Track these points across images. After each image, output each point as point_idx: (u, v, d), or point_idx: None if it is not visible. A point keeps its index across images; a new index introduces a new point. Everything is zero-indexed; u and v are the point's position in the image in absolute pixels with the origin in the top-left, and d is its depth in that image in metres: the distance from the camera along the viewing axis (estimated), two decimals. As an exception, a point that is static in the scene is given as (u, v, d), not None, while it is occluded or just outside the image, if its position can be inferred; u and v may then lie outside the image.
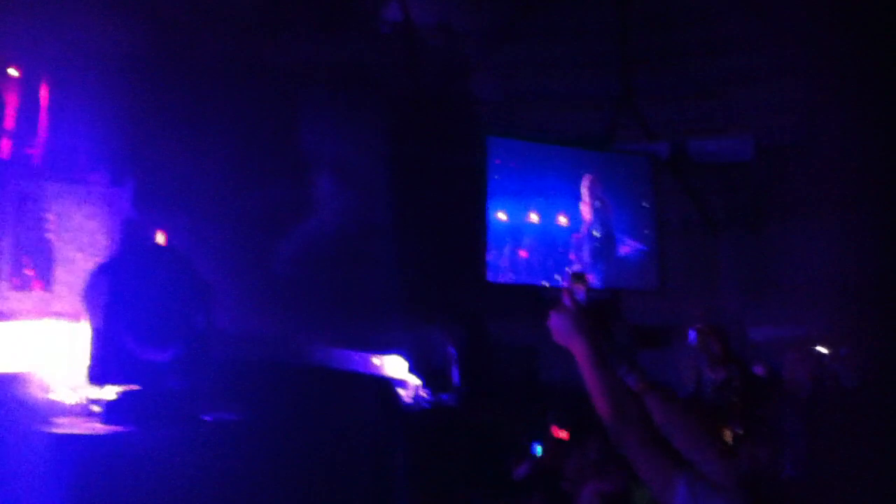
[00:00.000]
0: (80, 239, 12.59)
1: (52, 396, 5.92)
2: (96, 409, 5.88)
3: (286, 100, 12.22)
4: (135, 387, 5.85)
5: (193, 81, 12.11)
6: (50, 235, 12.59)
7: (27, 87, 12.82)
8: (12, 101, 13.14)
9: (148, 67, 12.47)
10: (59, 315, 12.29)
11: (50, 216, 12.75)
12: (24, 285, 12.41)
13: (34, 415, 5.83)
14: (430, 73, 15.15)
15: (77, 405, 5.98)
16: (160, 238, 12.67)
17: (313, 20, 13.35)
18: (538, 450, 8.34)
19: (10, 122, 13.03)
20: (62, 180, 12.82)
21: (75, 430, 5.70)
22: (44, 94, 12.92)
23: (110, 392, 5.83)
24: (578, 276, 3.76)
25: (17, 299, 12.32)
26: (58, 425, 5.79)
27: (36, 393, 5.81)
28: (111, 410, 5.83)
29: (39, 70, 12.82)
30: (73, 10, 12.83)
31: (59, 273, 12.55)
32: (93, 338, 5.86)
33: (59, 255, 12.55)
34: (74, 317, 12.40)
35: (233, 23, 12.35)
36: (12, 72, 12.90)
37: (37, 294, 12.40)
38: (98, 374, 5.87)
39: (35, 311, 12.33)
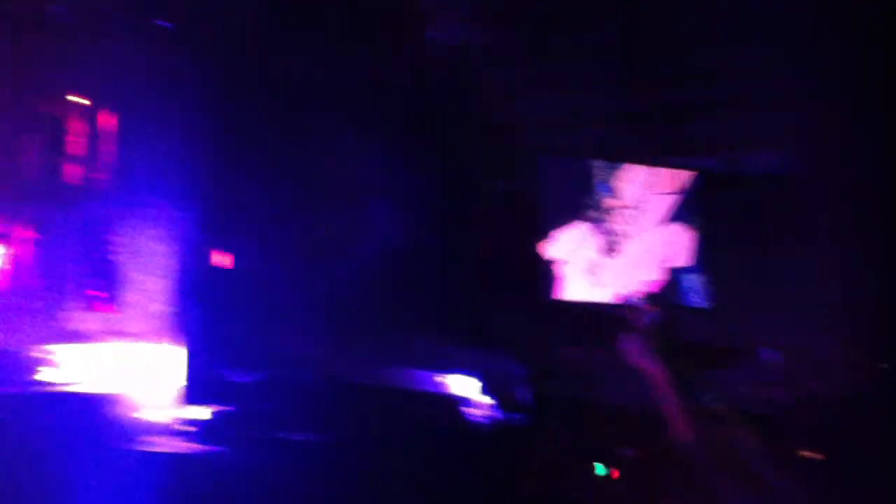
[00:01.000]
0: (145, 261, 12.95)
1: (143, 416, 6.12)
2: (187, 429, 6.05)
3: (343, 123, 12.46)
4: (225, 408, 6.02)
5: (256, 107, 12.42)
6: (117, 258, 12.95)
7: (95, 114, 13.25)
8: (82, 128, 13.57)
9: (213, 93, 12.80)
10: (127, 336, 12.64)
11: (116, 239, 13.12)
12: (93, 307, 12.78)
13: (126, 434, 6.02)
14: (478, 94, 15.33)
15: (167, 425, 6.16)
16: (225, 260, 12.95)
17: (368, 44, 13.62)
18: (601, 469, 8.36)
19: (79, 149, 13.46)
20: (127, 204, 13.20)
21: (167, 449, 5.88)
22: (111, 119, 13.32)
23: (201, 412, 6.00)
24: (649, 296, 3.80)
25: (86, 320, 12.70)
26: (149, 444, 5.98)
27: (127, 413, 6.01)
28: (202, 431, 6.00)
29: (107, 96, 13.24)
30: (140, 36, 13.24)
31: (125, 294, 12.90)
32: (185, 359, 6.04)
33: (126, 277, 12.91)
34: (143, 337, 12.75)
35: (296, 49, 12.65)
36: (81, 99, 13.35)
37: (105, 315, 12.76)
38: (190, 395, 6.04)
39: (104, 332, 12.68)
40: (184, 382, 6.33)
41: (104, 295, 12.83)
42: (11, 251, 14.07)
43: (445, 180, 12.30)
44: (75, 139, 13.72)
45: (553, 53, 14.57)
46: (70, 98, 14.01)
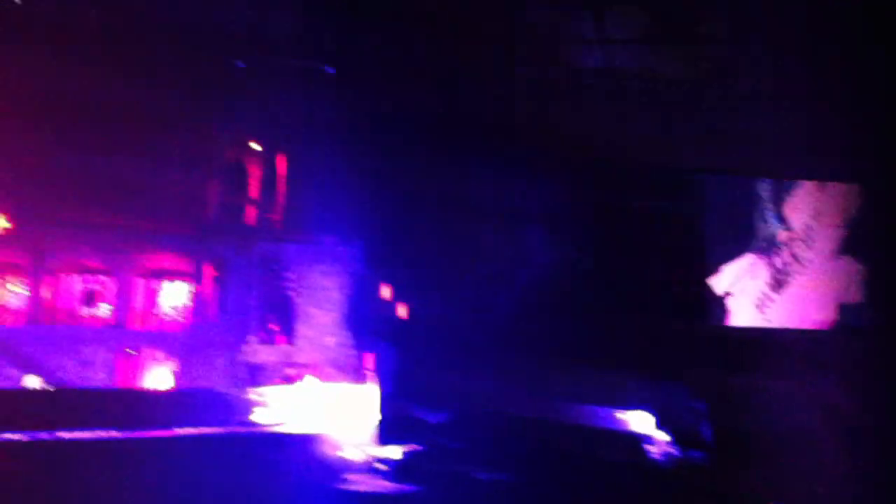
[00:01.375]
0: (317, 295, 13.59)
1: (342, 455, 6.36)
2: (382, 467, 6.26)
3: (494, 156, 12.51)
4: (416, 446, 6.19)
5: (410, 145, 12.72)
6: (291, 294, 13.70)
7: (271, 158, 14.12)
8: (256, 172, 14.51)
9: (369, 136, 13.28)
10: (300, 367, 13.29)
11: (290, 275, 13.89)
12: (270, 339, 13.56)
13: (328, 473, 6.24)
14: (630, 120, 15.06)
15: (364, 463, 6.39)
16: (386, 293, 13.37)
17: (524, 73, 13.66)
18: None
19: (254, 192, 14.39)
20: (299, 242, 13.88)
21: (365, 488, 6.06)
22: (282, 163, 14.15)
23: (395, 451, 6.21)
24: (832, 330, 3.61)
25: (264, 353, 13.47)
26: (349, 482, 6.19)
27: (329, 452, 6.28)
28: (396, 469, 6.20)
29: (277, 142, 14.09)
30: (303, 86, 13.98)
31: (300, 327, 13.62)
32: (378, 399, 6.27)
33: (300, 310, 13.61)
34: (314, 369, 13.34)
35: (440, 84, 12.85)
36: (255, 146, 14.28)
37: (281, 348, 13.50)
38: (384, 434, 6.27)
39: (280, 364, 13.39)
40: (378, 421, 6.57)
41: (280, 328, 13.54)
42: (196, 289, 15.08)
43: (610, 208, 12.13)
44: (252, 183, 14.64)
45: (716, 73, 14.14)
46: (247, 144, 14.97)
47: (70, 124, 15.03)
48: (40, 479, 5.36)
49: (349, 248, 13.86)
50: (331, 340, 13.56)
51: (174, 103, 16.09)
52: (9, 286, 17.17)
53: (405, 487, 5.98)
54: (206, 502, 5.68)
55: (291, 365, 13.75)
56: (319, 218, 13.73)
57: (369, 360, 13.42)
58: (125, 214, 16.76)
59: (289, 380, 13.33)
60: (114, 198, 16.83)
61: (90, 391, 11.87)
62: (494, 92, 13.18)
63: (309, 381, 11.99)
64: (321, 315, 13.74)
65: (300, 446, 6.12)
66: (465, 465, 6.04)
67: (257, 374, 13.64)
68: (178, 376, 16.16)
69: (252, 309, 13.85)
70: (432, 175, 12.41)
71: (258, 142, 14.88)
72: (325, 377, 14.31)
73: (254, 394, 7.24)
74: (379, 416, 6.40)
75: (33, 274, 16.72)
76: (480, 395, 6.24)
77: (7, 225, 17.45)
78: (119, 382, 15.65)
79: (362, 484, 6.05)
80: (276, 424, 6.55)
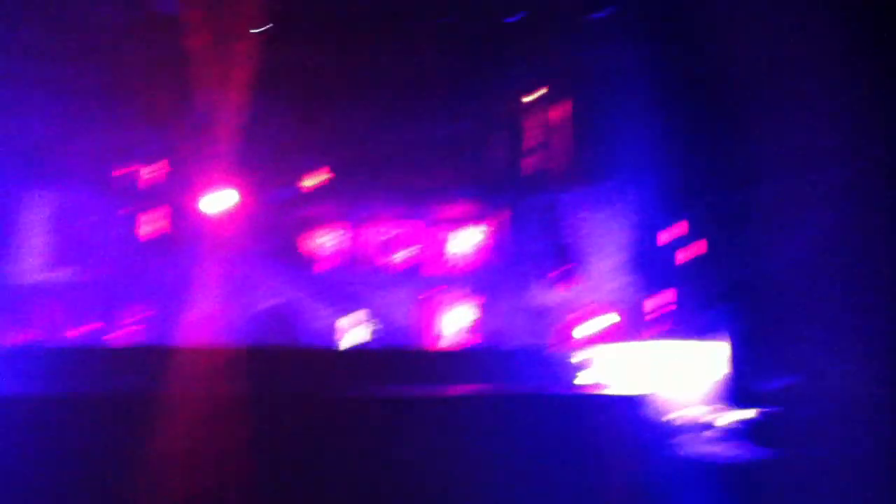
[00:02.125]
0: (598, 241, 13.76)
1: (674, 418, 6.46)
2: (719, 432, 6.33)
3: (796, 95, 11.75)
4: (757, 412, 6.18)
5: (686, 85, 12.26)
6: (572, 239, 14.00)
7: (548, 107, 14.37)
8: (536, 121, 14.84)
9: (647, 78, 12.98)
10: (585, 312, 13.63)
11: (571, 221, 14.18)
12: (553, 286, 14.02)
13: (659, 437, 6.25)
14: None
15: (698, 427, 6.48)
16: (665, 238, 13.21)
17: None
18: None
19: (536, 140, 14.76)
20: (579, 188, 14.07)
21: (699, 454, 6.08)
22: (562, 111, 14.35)
23: (739, 415, 6.25)
24: None
25: (546, 296, 13.95)
26: (682, 448, 6.23)
27: (659, 414, 6.29)
28: (733, 434, 6.25)
29: (558, 89, 14.26)
30: (581, 31, 13.89)
31: (579, 272, 13.91)
32: (724, 361, 6.31)
33: (581, 256, 13.90)
34: (600, 313, 13.60)
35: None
36: (535, 94, 14.56)
37: (563, 293, 13.91)
38: (723, 397, 6.33)
39: (565, 309, 13.84)
40: (715, 382, 6.63)
41: (564, 274, 13.94)
42: (483, 237, 15.89)
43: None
44: (532, 132, 15.01)
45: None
46: (525, 94, 15.29)
47: (360, 93, 16.44)
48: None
49: (630, 191, 13.85)
50: (614, 285, 13.75)
51: (457, 65, 17.12)
52: (321, 237, 20.43)
53: (745, 454, 6.02)
54: (525, 467, 5.93)
55: (576, 310, 14.17)
56: (598, 163, 13.81)
57: (657, 303, 13.44)
58: (417, 171, 18.34)
59: (594, 335, 13.81)
60: (407, 156, 18.43)
61: (404, 348, 12.91)
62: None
63: (608, 318, 12.27)
64: (601, 261, 13.94)
65: (628, 408, 6.17)
66: (812, 438, 5.93)
67: (545, 321, 14.25)
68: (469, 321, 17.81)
69: (535, 256, 14.37)
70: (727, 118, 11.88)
71: (535, 92, 15.22)
72: (612, 322, 14.64)
73: (577, 353, 7.47)
74: (716, 377, 6.48)
75: (344, 223, 18.05)
76: (836, 363, 6.06)
77: (320, 180, 19.65)
78: (422, 322, 16.82)
79: (696, 449, 6.13)
80: (602, 385, 6.75)
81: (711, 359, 7.03)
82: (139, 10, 18.57)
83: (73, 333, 16.95)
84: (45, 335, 16.46)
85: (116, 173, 18.50)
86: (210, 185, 17.98)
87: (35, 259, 16.09)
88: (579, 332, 13.85)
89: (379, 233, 18.19)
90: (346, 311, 14.98)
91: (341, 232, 18.19)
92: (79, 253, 16.58)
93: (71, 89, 17.18)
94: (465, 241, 17.10)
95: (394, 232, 18.00)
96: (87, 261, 16.93)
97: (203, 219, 18.55)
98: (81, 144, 17.61)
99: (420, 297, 17.14)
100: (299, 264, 18.74)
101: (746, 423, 6.30)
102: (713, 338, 6.96)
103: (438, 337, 18.08)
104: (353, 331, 13.46)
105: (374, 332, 14.92)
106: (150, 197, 18.84)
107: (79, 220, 16.57)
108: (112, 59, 17.50)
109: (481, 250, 15.79)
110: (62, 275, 16.01)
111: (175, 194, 18.71)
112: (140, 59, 17.55)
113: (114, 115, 17.40)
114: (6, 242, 16.28)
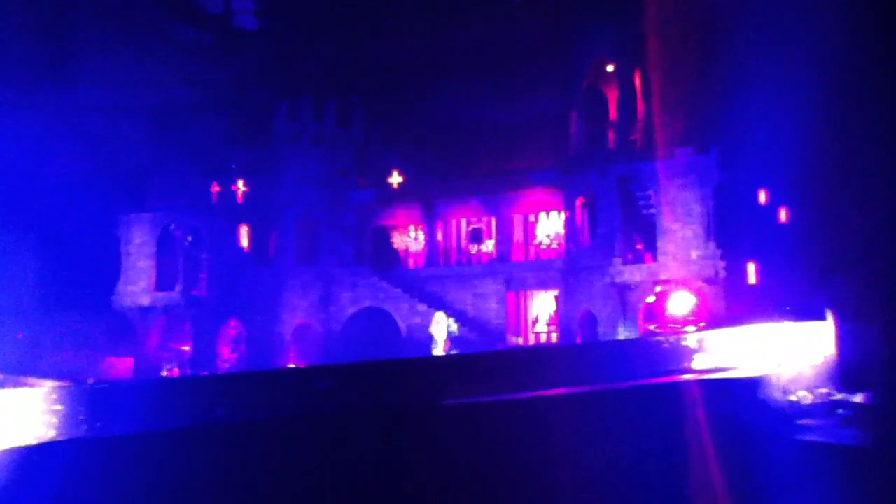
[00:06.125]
0: (676, 210, 13.29)
1: (792, 400, 6.17)
2: (842, 414, 5.99)
3: None
4: (866, 395, 5.84)
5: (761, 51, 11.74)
6: (651, 210, 13.60)
7: (623, 78, 13.99)
8: (612, 95, 14.50)
9: (723, 42, 12.47)
10: (664, 283, 13.23)
11: (649, 193, 13.78)
12: (637, 259, 13.66)
13: (780, 420, 5.97)
14: None
15: (820, 409, 6.14)
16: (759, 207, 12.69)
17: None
18: None
19: (612, 114, 14.43)
20: (654, 158, 13.62)
21: (822, 438, 5.73)
22: (637, 82, 13.96)
23: (844, 399, 5.92)
24: None
25: (629, 272, 13.56)
26: (804, 431, 5.90)
27: (779, 396, 6.04)
28: (857, 417, 5.89)
29: (631, 60, 13.86)
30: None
31: (662, 244, 13.49)
32: (836, 343, 5.99)
33: (661, 227, 13.46)
34: (679, 286, 13.14)
35: None
36: (609, 67, 14.20)
37: (646, 266, 13.52)
38: (844, 379, 6.00)
39: (648, 282, 13.46)
40: (837, 362, 6.32)
41: (645, 247, 13.55)
42: (567, 217, 15.51)
43: None
44: (613, 105, 14.64)
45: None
46: (603, 67, 14.86)
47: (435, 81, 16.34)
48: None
49: (705, 157, 13.39)
50: (696, 254, 13.30)
51: (535, 42, 16.84)
52: (409, 233, 20.01)
53: (867, 438, 5.62)
54: (641, 456, 5.68)
55: (659, 282, 13.77)
56: (673, 131, 13.39)
57: (751, 278, 12.85)
58: (499, 157, 18.12)
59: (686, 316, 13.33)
60: (486, 143, 18.29)
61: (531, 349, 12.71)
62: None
63: (695, 297, 11.65)
64: (681, 230, 13.49)
65: (746, 391, 5.89)
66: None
67: (628, 294, 13.91)
68: (559, 303, 17.71)
69: (617, 230, 14.02)
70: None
71: (611, 62, 14.78)
72: (695, 292, 14.18)
73: (689, 338, 7.13)
74: (837, 357, 6.14)
75: (427, 220, 18.88)
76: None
77: (400, 179, 19.78)
78: (510, 314, 17.43)
79: (819, 432, 5.77)
80: (719, 369, 6.47)
81: (817, 339, 6.63)
82: (223, 31, 19.10)
83: (181, 350, 17.48)
84: (155, 355, 16.97)
85: (213, 191, 19.09)
86: (299, 195, 18.28)
87: (141, 282, 16.58)
88: (673, 311, 13.52)
89: (462, 226, 18.73)
90: (436, 308, 14.92)
91: (425, 229, 18.70)
92: (183, 273, 17.07)
93: (164, 113, 17.72)
94: (549, 227, 17.26)
95: (477, 224, 18.87)
96: (191, 280, 17.46)
97: (295, 230, 18.85)
98: (178, 166, 18.13)
99: (508, 287, 17.25)
100: (386, 265, 19.44)
101: (857, 407, 5.91)
102: (815, 317, 6.58)
103: (531, 327, 17.92)
104: (444, 327, 13.36)
105: (465, 328, 14.83)
106: (244, 212, 19.44)
107: (181, 241, 16.99)
108: (199, 80, 17.96)
109: (566, 233, 15.51)
110: (168, 296, 16.45)
111: (264, 208, 19.08)
112: (224, 77, 17.98)
113: (204, 136, 17.88)
114: (112, 267, 16.84)
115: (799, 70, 11.09)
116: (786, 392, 6.46)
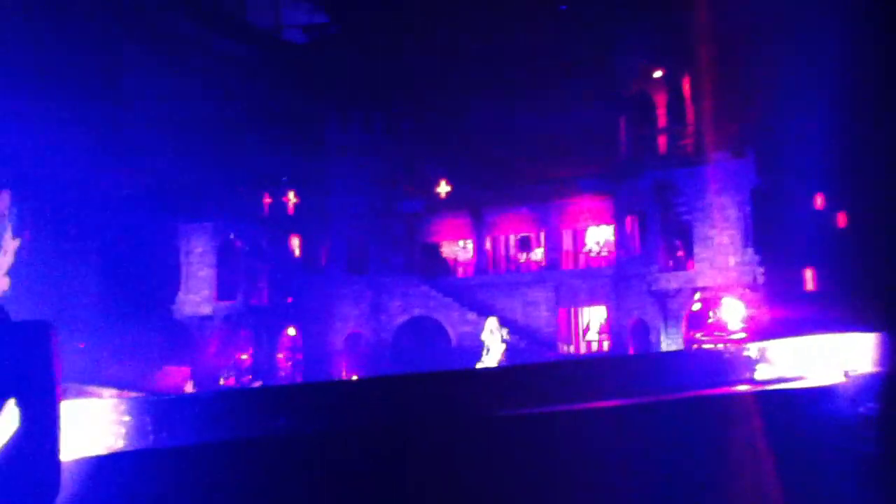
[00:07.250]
0: (713, 216, 13.08)
1: (861, 411, 6.04)
2: (881, 426, 5.84)
3: None
4: None
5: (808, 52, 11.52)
6: (688, 217, 13.40)
7: (677, 83, 13.84)
8: (661, 100, 14.35)
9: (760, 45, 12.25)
10: (702, 290, 13.02)
11: (686, 199, 13.58)
12: (678, 266, 13.45)
13: (837, 431, 5.89)
14: None
15: (865, 420, 6.02)
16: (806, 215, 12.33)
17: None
18: None
19: (662, 121, 14.27)
20: (696, 164, 13.37)
21: (868, 447, 5.62)
22: (686, 87, 13.80)
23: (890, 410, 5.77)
24: None
25: (665, 279, 13.35)
26: (859, 441, 5.80)
27: (836, 407, 5.93)
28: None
29: (679, 65, 13.72)
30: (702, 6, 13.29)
31: (699, 251, 13.29)
32: (879, 356, 5.85)
33: (698, 234, 13.26)
34: (715, 291, 12.90)
35: None
36: (657, 73, 14.07)
37: (683, 273, 13.30)
38: (882, 392, 5.85)
39: (683, 289, 13.25)
40: (871, 377, 6.17)
41: (685, 253, 13.36)
42: (616, 226, 15.38)
43: None
44: (660, 111, 14.50)
45: None
46: (652, 72, 14.75)
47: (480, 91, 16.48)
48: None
49: (741, 161, 13.17)
50: (733, 260, 13.06)
51: (581, 49, 16.90)
52: (457, 242, 20.80)
53: None
54: (699, 467, 5.59)
55: (697, 289, 13.54)
56: (719, 136, 13.19)
57: (798, 286, 12.61)
58: (546, 165, 18.18)
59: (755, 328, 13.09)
60: (534, 151, 18.35)
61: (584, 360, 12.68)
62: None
63: (743, 304, 11.45)
64: (718, 235, 13.28)
65: (812, 402, 5.79)
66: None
67: (668, 302, 13.70)
68: (610, 310, 17.40)
69: (658, 237, 13.85)
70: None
71: (659, 67, 14.65)
72: (739, 297, 13.91)
73: (751, 348, 7.05)
74: (870, 370, 5.99)
75: (475, 229, 18.94)
76: None
77: (448, 188, 19.95)
78: (561, 322, 17.51)
79: (858, 443, 5.63)
80: (783, 379, 6.37)
81: (864, 351, 6.50)
82: (272, 45, 19.52)
83: (239, 359, 17.79)
84: (213, 364, 17.31)
85: (265, 203, 19.47)
86: (348, 205, 18.54)
87: (203, 291, 16.93)
88: (723, 319, 13.31)
89: (510, 235, 18.80)
90: (485, 317, 14.88)
91: (473, 237, 18.82)
92: (240, 282, 17.43)
93: (215, 127, 18.16)
94: (599, 234, 17.27)
95: (525, 233, 18.85)
96: (248, 290, 17.82)
97: (345, 240, 19.11)
98: (230, 179, 18.54)
99: (558, 298, 17.17)
100: (435, 274, 19.48)
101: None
102: (862, 329, 6.44)
103: (583, 335, 17.80)
104: (499, 335, 13.32)
105: (515, 336, 14.78)
106: (295, 223, 19.78)
107: (240, 250, 17.33)
108: (247, 94, 18.38)
109: (615, 241, 15.40)
110: (229, 305, 16.78)
111: (314, 219, 19.39)
112: (273, 91, 18.36)
113: (255, 149, 18.25)
114: (171, 277, 17.27)
115: (840, 72, 10.89)
116: (855, 403, 6.33)
